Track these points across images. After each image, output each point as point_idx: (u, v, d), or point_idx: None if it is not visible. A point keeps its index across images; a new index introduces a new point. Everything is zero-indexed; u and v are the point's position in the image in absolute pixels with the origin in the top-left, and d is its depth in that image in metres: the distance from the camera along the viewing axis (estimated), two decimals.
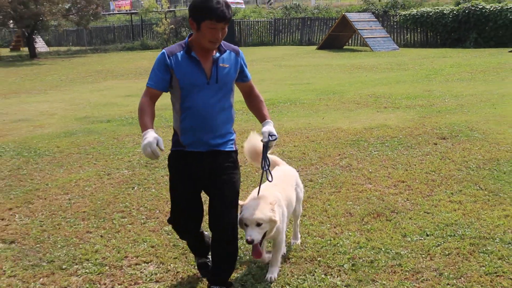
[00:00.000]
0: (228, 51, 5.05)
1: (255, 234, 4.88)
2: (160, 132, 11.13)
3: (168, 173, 5.29)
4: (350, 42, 38.01)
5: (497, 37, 32.98)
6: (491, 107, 13.53)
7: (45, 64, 35.66)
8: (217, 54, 4.92)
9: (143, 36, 51.05)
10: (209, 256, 5.54)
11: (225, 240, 5.04)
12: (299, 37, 43.85)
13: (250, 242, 4.89)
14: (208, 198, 5.19)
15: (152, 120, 4.83)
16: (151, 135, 4.62)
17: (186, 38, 4.99)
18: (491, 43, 32.81)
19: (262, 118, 5.32)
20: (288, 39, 44.53)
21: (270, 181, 5.35)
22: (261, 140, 5.20)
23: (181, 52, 4.88)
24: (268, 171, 5.26)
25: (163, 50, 4.92)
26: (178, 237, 5.68)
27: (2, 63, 38.10)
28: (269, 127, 5.18)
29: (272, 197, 5.16)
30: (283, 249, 5.59)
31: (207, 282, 5.26)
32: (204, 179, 5.07)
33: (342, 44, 37.29)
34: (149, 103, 4.86)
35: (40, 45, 48.24)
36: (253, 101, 5.39)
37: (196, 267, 5.68)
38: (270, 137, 5.12)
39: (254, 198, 5.17)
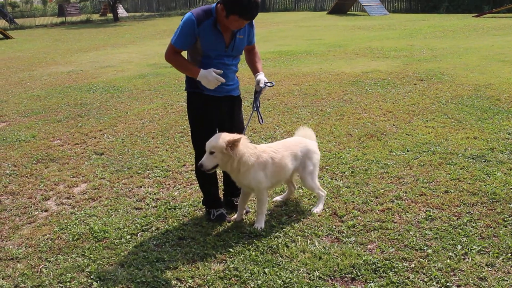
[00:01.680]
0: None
1: (206, 161, 4.20)
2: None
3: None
4: (352, 8, 37.03)
5: (463, 5, 32.08)
6: (457, 57, 13.19)
7: (125, 25, 35.43)
8: None
9: (197, 4, 50.26)
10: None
11: None
12: (314, 5, 42.89)
13: (200, 166, 4.25)
14: None
15: (192, 64, 4.41)
16: (205, 71, 4.26)
17: (214, 5, 4.29)
18: (458, 10, 31.91)
19: (256, 70, 4.70)
20: (305, 6, 43.56)
21: (261, 123, 4.78)
22: (256, 86, 4.61)
23: (208, 22, 4.24)
24: (258, 112, 4.69)
25: (192, 16, 4.23)
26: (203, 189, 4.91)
27: (94, 25, 37.95)
28: (263, 77, 4.62)
29: (243, 137, 4.28)
30: (265, 202, 4.58)
31: (231, 198, 5.07)
32: (220, 118, 4.62)
33: (346, 10, 36.42)
34: (179, 56, 4.39)
35: (121, 11, 47.78)
36: (252, 57, 4.75)
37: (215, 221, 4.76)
38: (266, 84, 4.57)
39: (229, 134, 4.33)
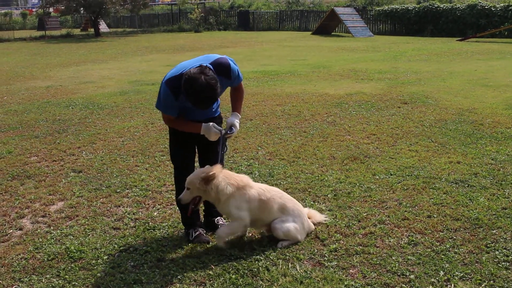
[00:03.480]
0: (219, 78, 4.29)
1: (183, 196, 4.43)
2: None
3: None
4: (336, 29, 37.43)
5: (448, 29, 32.60)
6: (441, 81, 13.38)
7: (106, 41, 35.43)
8: None
9: (180, 21, 50.22)
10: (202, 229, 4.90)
11: None
12: (298, 25, 43.25)
13: (178, 200, 4.55)
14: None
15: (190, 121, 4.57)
16: (206, 127, 4.48)
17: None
18: (443, 33, 32.40)
19: (233, 109, 4.80)
20: (290, 26, 43.91)
21: (221, 163, 4.57)
22: (222, 130, 4.59)
23: (183, 94, 4.26)
24: (223, 155, 4.70)
25: (168, 91, 4.34)
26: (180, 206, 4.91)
27: (74, 40, 37.87)
28: (234, 119, 4.68)
29: (218, 173, 4.42)
30: (233, 228, 4.57)
31: (212, 218, 5.07)
32: (200, 137, 4.63)
33: (330, 31, 36.81)
34: (177, 119, 4.54)
35: (103, 26, 47.57)
36: (236, 94, 4.81)
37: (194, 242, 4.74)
38: (230, 128, 4.66)
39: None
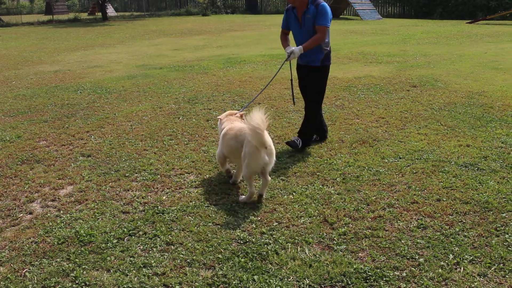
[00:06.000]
0: (312, 6, 6.27)
1: None
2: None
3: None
4: (345, 12, 37.19)
5: (457, 12, 32.34)
6: (451, 64, 13.28)
7: (114, 25, 35.33)
8: (306, 9, 6.28)
9: (188, 5, 50.04)
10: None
11: (308, 112, 6.82)
12: None
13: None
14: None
15: (288, 42, 6.66)
16: (290, 47, 6.37)
17: None
18: (452, 16, 32.15)
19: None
20: None
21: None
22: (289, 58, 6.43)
23: (290, 9, 6.50)
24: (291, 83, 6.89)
25: (285, 9, 6.64)
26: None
27: (82, 24, 37.82)
28: (294, 47, 6.34)
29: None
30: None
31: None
32: (305, 77, 6.72)
33: (339, 14, 36.52)
34: (284, 36, 6.76)
35: (110, 10, 47.50)
36: (314, 34, 6.38)
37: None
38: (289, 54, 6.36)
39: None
